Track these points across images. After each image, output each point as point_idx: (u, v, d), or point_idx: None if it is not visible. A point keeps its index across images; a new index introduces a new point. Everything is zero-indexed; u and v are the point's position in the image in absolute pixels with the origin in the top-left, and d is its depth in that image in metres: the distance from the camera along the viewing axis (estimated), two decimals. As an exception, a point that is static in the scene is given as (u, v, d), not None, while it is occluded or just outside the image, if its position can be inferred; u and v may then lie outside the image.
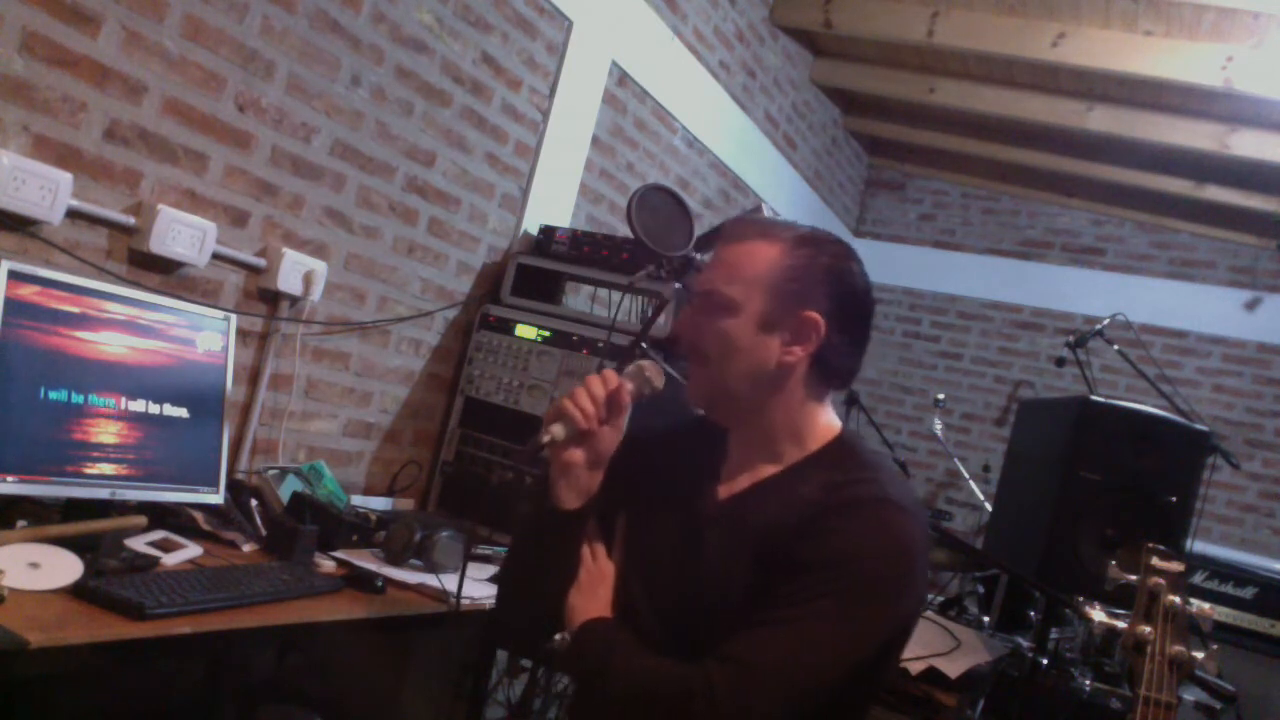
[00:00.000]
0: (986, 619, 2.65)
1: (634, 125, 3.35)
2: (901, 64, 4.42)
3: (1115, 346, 3.72)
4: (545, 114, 2.86)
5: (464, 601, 1.73)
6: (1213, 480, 4.12)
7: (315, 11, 2.12)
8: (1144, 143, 4.21)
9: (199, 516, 1.80)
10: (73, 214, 1.74)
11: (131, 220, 1.85)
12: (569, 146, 2.99)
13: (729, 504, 1.24)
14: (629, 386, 1.27)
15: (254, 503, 1.92)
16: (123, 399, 1.65)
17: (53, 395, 1.53)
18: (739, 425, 1.29)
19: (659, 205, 2.23)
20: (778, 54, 4.23)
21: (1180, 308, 4.89)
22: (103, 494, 1.60)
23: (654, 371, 1.30)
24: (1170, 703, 1.11)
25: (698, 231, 2.27)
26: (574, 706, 1.39)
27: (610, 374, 1.27)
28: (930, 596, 2.64)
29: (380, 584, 1.76)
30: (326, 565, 1.82)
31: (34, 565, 1.33)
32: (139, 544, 1.58)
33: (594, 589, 1.27)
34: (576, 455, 1.25)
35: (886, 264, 5.28)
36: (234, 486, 1.92)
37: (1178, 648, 1.16)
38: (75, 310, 1.58)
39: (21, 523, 1.47)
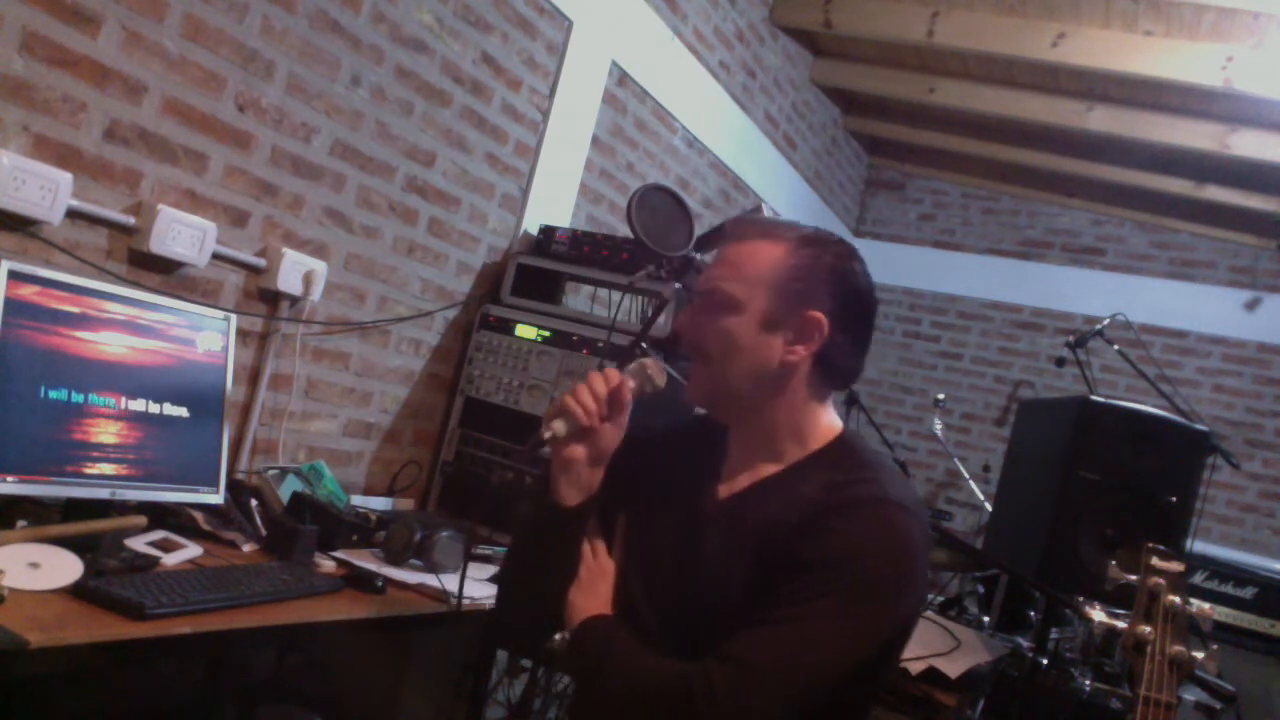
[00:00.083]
0: (986, 619, 2.64)
1: (634, 125, 3.34)
2: (901, 64, 4.42)
3: (1115, 346, 3.72)
4: (545, 114, 2.86)
5: (464, 601, 1.73)
6: (1213, 480, 4.13)
7: (315, 11, 2.12)
8: (1144, 143, 4.21)
9: (199, 516, 1.80)
10: (73, 214, 1.75)
11: (131, 220, 1.85)
12: (569, 146, 2.99)
13: (729, 503, 1.24)
14: (631, 384, 1.27)
15: (254, 503, 1.92)
16: (123, 399, 1.65)
17: (53, 395, 1.53)
18: (740, 424, 1.28)
19: (659, 205, 2.24)
20: (778, 54, 4.23)
21: (1180, 308, 4.89)
22: (103, 494, 1.59)
23: (656, 369, 1.30)
24: (1170, 703, 1.11)
25: (698, 231, 2.27)
26: (574, 706, 1.39)
27: (612, 371, 1.27)
28: (930, 596, 2.63)
29: (380, 584, 1.76)
30: (326, 565, 1.82)
31: (34, 565, 1.33)
32: (139, 544, 1.58)
33: (594, 586, 1.26)
34: (578, 452, 1.25)
35: (886, 264, 5.27)
36: (234, 486, 1.92)
37: (1178, 648, 1.16)
38: (75, 310, 1.58)
39: (21, 523, 1.47)
